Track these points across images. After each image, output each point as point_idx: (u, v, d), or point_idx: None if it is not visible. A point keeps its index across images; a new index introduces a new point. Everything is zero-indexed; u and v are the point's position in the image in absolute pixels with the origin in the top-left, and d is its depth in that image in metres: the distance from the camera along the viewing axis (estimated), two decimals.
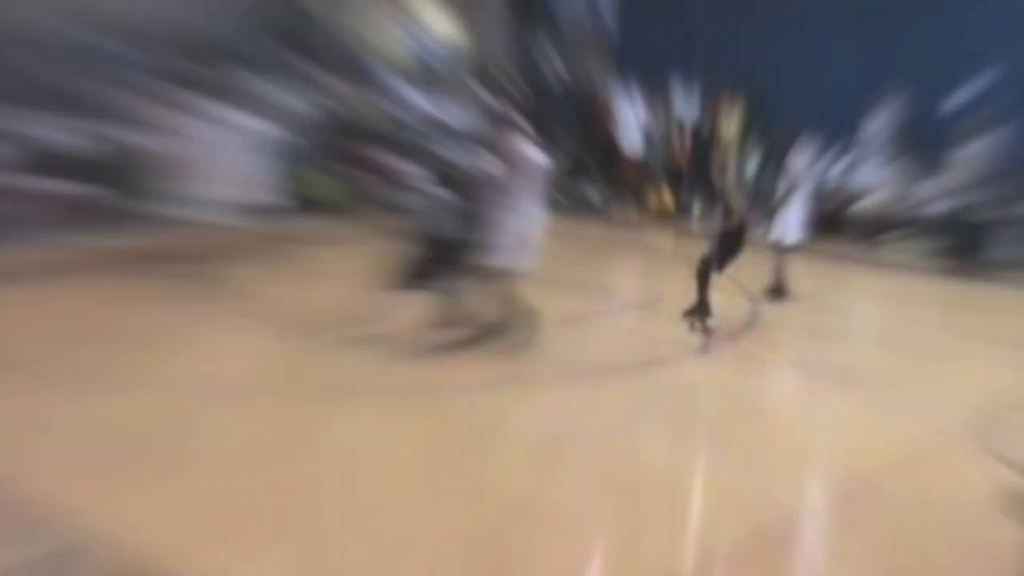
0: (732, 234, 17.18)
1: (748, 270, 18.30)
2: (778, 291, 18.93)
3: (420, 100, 27.60)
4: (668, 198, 27.39)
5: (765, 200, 22.97)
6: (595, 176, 28.27)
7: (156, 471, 10.85)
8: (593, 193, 28.03)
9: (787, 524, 10.47)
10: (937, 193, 24.68)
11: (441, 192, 15.19)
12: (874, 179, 25.76)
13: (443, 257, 15.02)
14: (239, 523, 9.79)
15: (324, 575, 9.01)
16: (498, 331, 15.36)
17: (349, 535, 9.68)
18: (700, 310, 17.06)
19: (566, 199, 27.30)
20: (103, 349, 15.06)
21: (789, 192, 18.81)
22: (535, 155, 15.12)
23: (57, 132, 22.25)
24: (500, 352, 15.17)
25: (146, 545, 9.08)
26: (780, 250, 18.94)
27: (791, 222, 18.91)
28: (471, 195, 15.23)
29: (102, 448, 11.39)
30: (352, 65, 28.18)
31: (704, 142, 27.55)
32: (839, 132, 25.57)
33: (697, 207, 27.40)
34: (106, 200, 22.42)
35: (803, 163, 19.05)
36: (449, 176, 15.66)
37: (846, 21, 27.05)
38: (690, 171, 27.74)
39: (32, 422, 12.00)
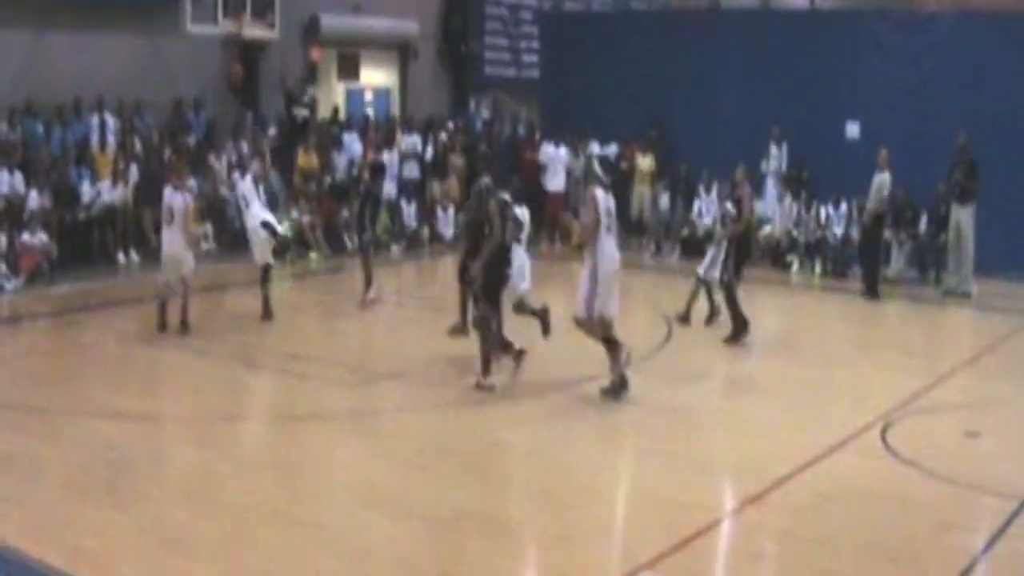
0: (741, 238, 17.75)
1: (660, 292, 18.17)
2: (686, 318, 18.73)
3: (359, 149, 27.37)
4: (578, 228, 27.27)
5: (677, 230, 22.94)
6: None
7: (125, 501, 10.60)
8: None
9: (706, 528, 10.29)
10: (834, 218, 24.70)
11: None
12: (774, 208, 25.75)
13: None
14: (198, 547, 9.57)
15: None
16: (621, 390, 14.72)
17: (303, 553, 9.52)
18: (739, 328, 17.55)
19: None
20: (74, 386, 14.82)
21: (723, 235, 18.46)
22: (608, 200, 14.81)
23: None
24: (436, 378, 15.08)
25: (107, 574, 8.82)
26: (704, 283, 18.66)
27: (717, 260, 18.62)
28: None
29: (73, 480, 11.16)
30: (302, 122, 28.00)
31: (622, 177, 27.45)
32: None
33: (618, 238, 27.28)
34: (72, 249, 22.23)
35: (731, 209, 18.77)
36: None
37: (742, 74, 27.18)
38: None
39: (5, 458, 11.74)
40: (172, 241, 17.56)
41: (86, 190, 23.28)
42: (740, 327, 17.52)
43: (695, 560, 9.75)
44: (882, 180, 21.98)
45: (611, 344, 14.43)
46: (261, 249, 18.64)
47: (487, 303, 14.68)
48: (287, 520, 10.27)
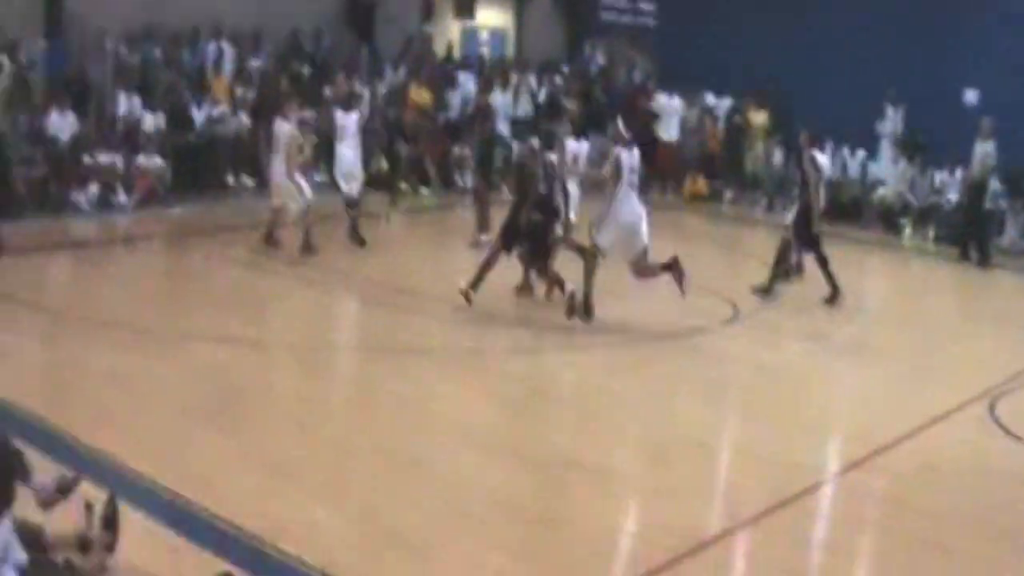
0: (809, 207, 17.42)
1: (772, 249, 18.03)
2: (796, 268, 18.60)
3: (473, 88, 27.34)
4: (702, 183, 27.14)
5: (790, 188, 22.74)
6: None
7: (233, 426, 10.73)
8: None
9: (809, 490, 10.25)
10: (949, 184, 24.36)
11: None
12: (887, 170, 25.43)
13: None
14: (303, 476, 9.66)
15: (381, 523, 8.93)
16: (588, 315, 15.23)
17: (406, 487, 9.56)
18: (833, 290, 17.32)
19: None
20: (186, 310, 15.01)
21: (803, 184, 18.38)
22: (632, 157, 15.32)
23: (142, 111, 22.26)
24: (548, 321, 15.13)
25: (215, 497, 8.91)
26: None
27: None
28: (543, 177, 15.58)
29: (183, 402, 11.31)
30: (416, 58, 28.01)
31: (736, 131, 27.28)
32: (854, 129, 25.28)
33: (729, 192, 27.16)
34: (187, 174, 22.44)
35: (823, 159, 18.63)
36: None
37: (861, 33, 26.75)
38: (722, 157, 27.50)
39: (119, 376, 11.91)
40: (277, 170, 18.01)
41: (201, 115, 23.47)
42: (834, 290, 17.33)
43: (796, 520, 9.70)
44: (984, 150, 21.66)
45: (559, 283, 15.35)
46: (358, 183, 19.34)
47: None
48: (390, 453, 10.36)
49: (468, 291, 15.17)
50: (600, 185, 15.62)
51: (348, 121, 19.17)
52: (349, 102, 20.04)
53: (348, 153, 19.14)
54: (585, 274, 15.18)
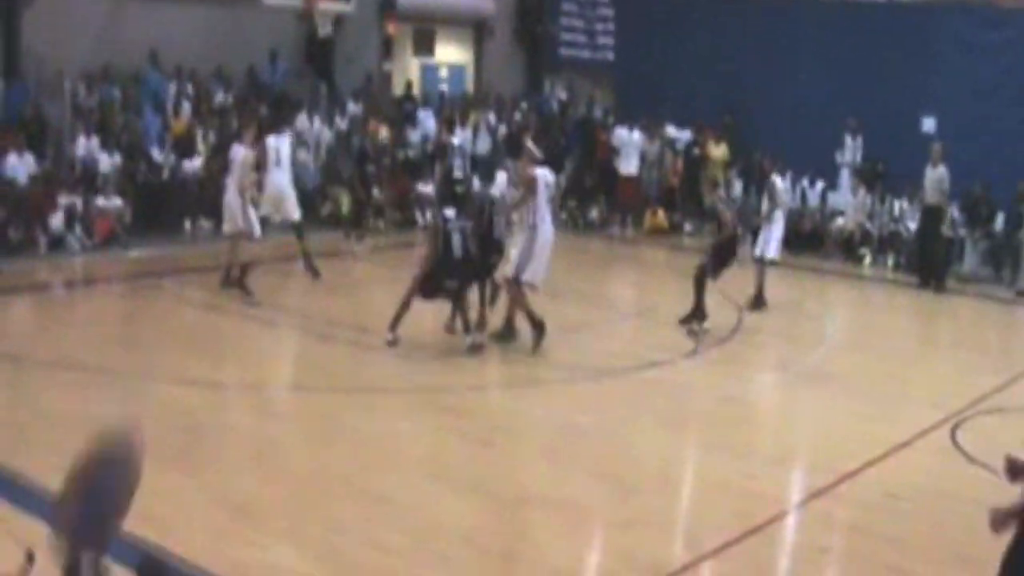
0: (724, 245, 17.11)
1: (733, 282, 18.12)
2: (759, 301, 18.74)
3: (433, 125, 27.43)
4: (662, 216, 27.23)
5: (749, 218, 22.86)
6: (595, 196, 28.09)
7: (195, 467, 10.69)
8: (593, 211, 27.85)
9: (773, 519, 10.28)
10: (907, 212, 24.50)
11: (451, 211, 15.17)
12: (847, 200, 25.57)
13: (457, 270, 14.93)
14: (265, 516, 9.64)
15: (344, 561, 8.95)
16: (507, 337, 15.32)
17: (369, 525, 9.57)
18: (696, 314, 16.84)
19: (568, 217, 27.16)
20: (147, 351, 14.97)
21: (772, 211, 18.67)
22: (546, 176, 15.53)
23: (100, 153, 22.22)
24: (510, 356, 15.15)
25: (177, 539, 8.89)
26: (763, 264, 18.78)
27: (773, 239, 18.76)
28: (482, 213, 15.35)
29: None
30: (375, 95, 28.08)
31: (694, 163, 27.39)
32: (814, 159, 25.42)
33: (688, 224, 27.25)
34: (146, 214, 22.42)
35: (783, 185, 18.85)
36: (459, 195, 15.68)
37: (819, 64, 26.93)
38: (682, 190, 27.60)
39: (77, 418, 11.84)
40: (229, 193, 18.17)
41: (160, 156, 23.46)
42: (699, 314, 17.09)
43: (761, 550, 9.72)
44: (937, 175, 21.85)
45: (531, 318, 15.28)
46: (293, 204, 19.31)
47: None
48: (354, 491, 10.35)
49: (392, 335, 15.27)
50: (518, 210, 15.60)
51: (281, 144, 19.06)
52: (280, 126, 19.96)
53: (281, 178, 19.03)
54: (511, 303, 15.53)
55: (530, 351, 15.19)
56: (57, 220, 20.66)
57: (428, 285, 15.19)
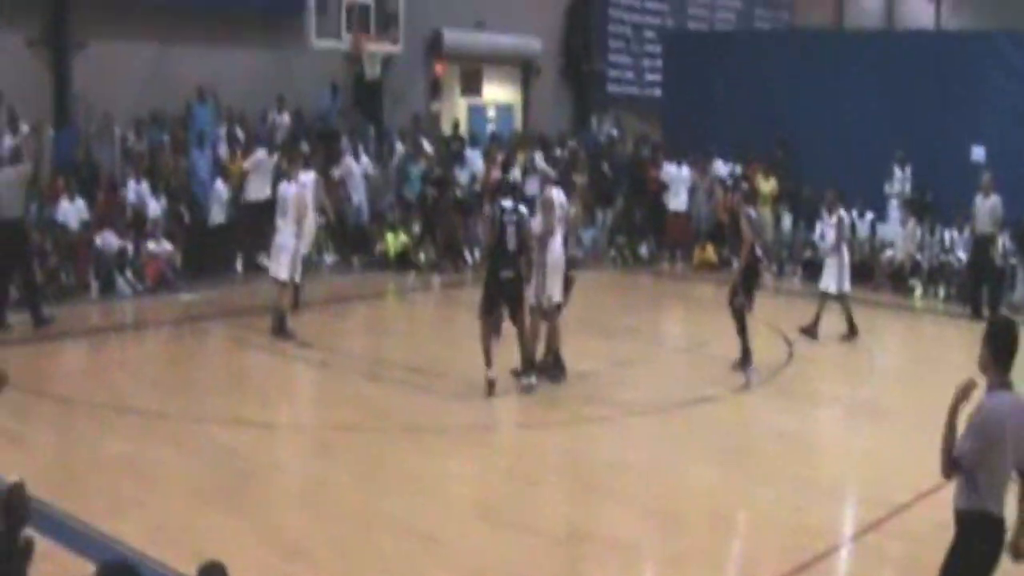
0: (751, 266, 17.13)
1: (783, 314, 18.06)
2: (812, 331, 18.70)
3: (481, 165, 27.53)
4: (711, 251, 27.18)
5: (799, 251, 22.77)
6: (645, 232, 28.12)
7: (245, 507, 10.72)
8: (643, 247, 27.87)
9: (825, 554, 10.21)
10: (958, 242, 24.34)
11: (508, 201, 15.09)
12: (896, 231, 25.43)
13: (511, 263, 14.99)
14: (316, 555, 9.66)
15: None
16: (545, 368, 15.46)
17: (418, 564, 9.60)
18: (746, 358, 16.76)
19: (618, 254, 27.20)
20: (197, 393, 15.06)
21: (839, 244, 18.65)
22: (560, 197, 15.70)
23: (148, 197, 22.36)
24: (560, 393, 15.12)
25: None
26: (827, 297, 18.74)
27: (844, 272, 18.77)
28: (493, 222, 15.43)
29: (195, 486, 11.33)
30: (426, 135, 28.20)
31: (744, 199, 27.30)
32: (863, 191, 25.30)
33: (736, 260, 27.15)
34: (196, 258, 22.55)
35: (846, 218, 18.90)
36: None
37: (866, 95, 26.81)
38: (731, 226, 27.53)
39: (131, 461, 11.93)
40: (284, 237, 17.86)
41: (210, 196, 23.64)
42: (747, 358, 16.81)
43: None
44: (988, 204, 21.74)
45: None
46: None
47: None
48: (404, 531, 10.35)
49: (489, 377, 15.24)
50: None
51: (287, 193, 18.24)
52: (290, 172, 19.05)
53: (284, 235, 18.02)
54: (549, 333, 15.40)
55: (580, 394, 15.16)
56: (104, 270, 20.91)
57: (485, 293, 15.16)
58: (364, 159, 26.27)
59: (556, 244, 15.32)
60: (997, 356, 7.43)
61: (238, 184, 23.60)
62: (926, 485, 11.89)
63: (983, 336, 7.41)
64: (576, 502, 11.61)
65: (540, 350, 15.50)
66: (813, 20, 42.12)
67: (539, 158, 16.00)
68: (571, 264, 15.96)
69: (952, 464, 7.41)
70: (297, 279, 18.12)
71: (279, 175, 20.47)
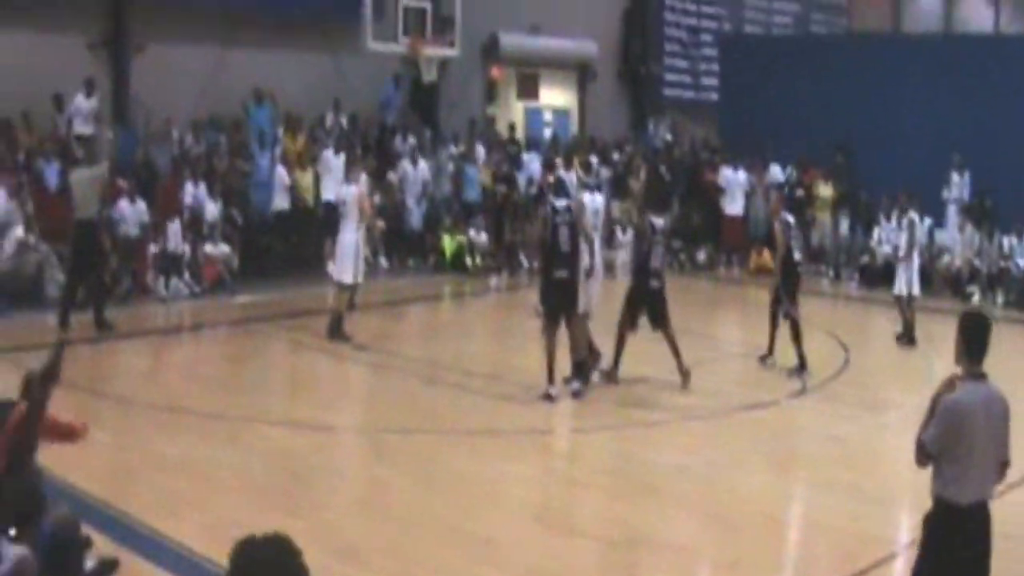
0: (790, 271, 17.21)
1: (838, 319, 17.94)
2: (908, 338, 18.65)
3: (538, 168, 27.57)
4: (767, 256, 27.08)
5: (857, 257, 22.66)
6: (702, 237, 28.06)
7: (301, 509, 10.74)
8: (700, 253, 27.82)
9: (880, 561, 10.14)
10: (1017, 248, 24.17)
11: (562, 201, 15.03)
12: (954, 237, 25.25)
13: (566, 263, 14.97)
14: (371, 558, 9.67)
15: None
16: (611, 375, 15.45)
17: (474, 567, 9.64)
18: (803, 364, 16.74)
19: (675, 259, 27.18)
20: (253, 394, 15.11)
21: (911, 248, 18.58)
22: (593, 201, 15.88)
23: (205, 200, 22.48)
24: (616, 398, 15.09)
25: None
26: (908, 301, 18.68)
27: (915, 275, 18.70)
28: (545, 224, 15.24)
29: (250, 486, 11.37)
30: (483, 140, 28.25)
31: (799, 204, 27.23)
32: (921, 196, 25.15)
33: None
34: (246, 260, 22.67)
35: (918, 221, 18.84)
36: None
37: (924, 100, 26.67)
38: None
39: (186, 462, 11.99)
40: (346, 238, 17.70)
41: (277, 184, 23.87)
42: (803, 363, 16.80)
43: None
44: None
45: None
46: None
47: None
48: (459, 534, 10.35)
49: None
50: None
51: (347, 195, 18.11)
52: (350, 173, 18.72)
53: (347, 236, 17.90)
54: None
55: (635, 398, 15.15)
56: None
57: (543, 281, 15.17)
58: (421, 163, 26.33)
59: (588, 254, 15.26)
60: (968, 348, 7.64)
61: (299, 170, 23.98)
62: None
63: (957, 328, 7.41)
64: (631, 506, 11.55)
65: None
66: (870, 24, 41.88)
67: (595, 162, 15.99)
68: (654, 275, 15.91)
69: (918, 448, 7.72)
70: (360, 279, 18.07)
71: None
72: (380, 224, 22.55)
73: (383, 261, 24.60)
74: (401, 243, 25.46)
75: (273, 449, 12.66)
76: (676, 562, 10.10)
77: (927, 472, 12.90)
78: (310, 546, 9.74)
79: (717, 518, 11.17)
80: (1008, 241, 24.53)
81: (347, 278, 17.78)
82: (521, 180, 27.54)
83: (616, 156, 29.88)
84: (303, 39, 26.13)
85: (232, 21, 24.55)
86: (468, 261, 24.82)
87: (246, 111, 24.36)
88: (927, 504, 11.67)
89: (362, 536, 10.22)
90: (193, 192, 22.61)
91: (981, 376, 7.48)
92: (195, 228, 22.06)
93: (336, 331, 17.72)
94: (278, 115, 24.70)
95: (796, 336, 16.67)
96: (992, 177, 25.21)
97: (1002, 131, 25.44)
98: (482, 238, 25.69)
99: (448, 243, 25.01)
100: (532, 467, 12.61)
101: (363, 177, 19.49)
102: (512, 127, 30.28)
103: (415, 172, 25.98)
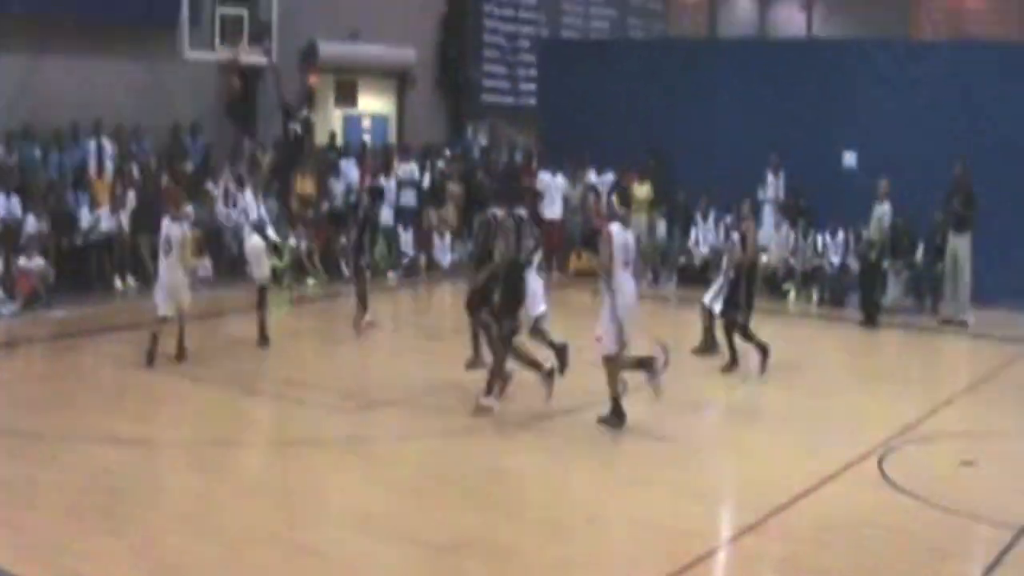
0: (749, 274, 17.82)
1: (656, 320, 18.16)
2: (707, 349, 18.84)
3: (356, 175, 27.57)
4: (586, 259, 27.33)
5: (674, 259, 22.93)
6: None
7: (122, 527, 10.60)
8: None
9: (704, 557, 10.31)
10: (831, 246, 24.74)
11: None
12: (770, 236, 25.71)
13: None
14: (195, 574, 9.58)
15: None
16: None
17: None
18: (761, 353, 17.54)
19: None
20: (70, 411, 14.83)
21: (729, 266, 18.69)
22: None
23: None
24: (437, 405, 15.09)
25: None
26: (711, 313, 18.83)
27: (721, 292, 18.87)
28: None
29: (70, 506, 11.17)
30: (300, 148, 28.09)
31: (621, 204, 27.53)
32: (736, 197, 25.49)
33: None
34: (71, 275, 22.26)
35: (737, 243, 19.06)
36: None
37: (739, 103, 27.18)
38: None
39: (2, 483, 11.75)
40: (171, 272, 17.13)
41: (83, 215, 23.32)
42: (764, 353, 17.64)
43: None
44: (882, 211, 22.18)
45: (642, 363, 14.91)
46: (260, 266, 18.63)
47: (505, 319, 14.80)
48: (284, 546, 10.28)
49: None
50: None
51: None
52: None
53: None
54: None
55: (458, 404, 15.16)
56: None
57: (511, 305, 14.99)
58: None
59: (628, 283, 14.71)
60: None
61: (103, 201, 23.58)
62: (803, 486, 12.13)
63: None
64: (458, 511, 11.56)
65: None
66: (686, 29, 42.62)
67: (613, 197, 16.12)
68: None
69: None
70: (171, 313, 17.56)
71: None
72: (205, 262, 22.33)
73: (201, 273, 24.21)
74: (220, 254, 25.16)
75: (93, 466, 12.42)
76: (502, 566, 10.13)
77: (748, 465, 13.23)
78: (133, 564, 9.68)
79: (542, 520, 11.25)
80: (822, 239, 25.11)
81: (165, 311, 17.21)
82: (339, 188, 27.45)
83: (440, 163, 29.90)
84: (120, 46, 25.61)
85: (45, 29, 24.02)
86: (284, 277, 24.43)
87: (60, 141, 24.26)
88: (749, 499, 11.95)
89: (186, 552, 10.08)
90: (5, 204, 22.13)
91: None
92: (7, 242, 21.57)
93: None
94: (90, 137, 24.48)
95: (744, 335, 17.52)
96: (806, 177, 25.77)
97: (816, 133, 26.01)
98: (302, 248, 25.48)
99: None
100: (356, 475, 12.56)
101: (188, 210, 19.23)
102: (332, 135, 30.17)
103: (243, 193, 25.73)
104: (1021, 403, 16.75)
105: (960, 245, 22.43)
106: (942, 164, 22.82)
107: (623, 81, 29.07)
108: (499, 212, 15.53)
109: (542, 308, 15.74)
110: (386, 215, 26.83)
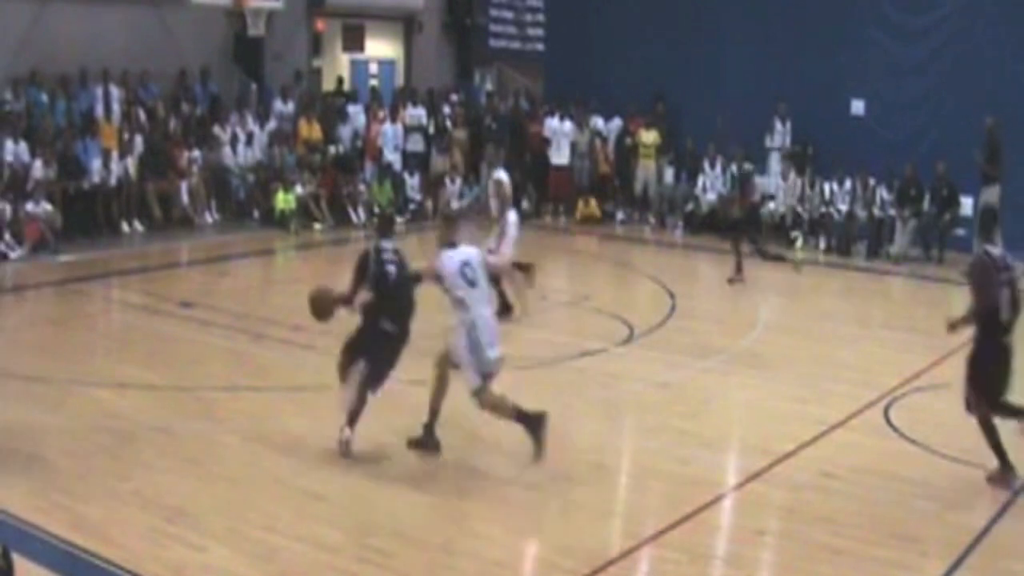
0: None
1: (665, 267, 18.13)
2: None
3: (363, 120, 27.49)
4: (594, 205, 27.26)
5: (681, 206, 22.83)
6: (527, 186, 28.07)
7: (128, 471, 10.66)
8: (526, 202, 27.83)
9: (710, 504, 10.32)
10: (838, 195, 24.64)
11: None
12: (777, 184, 25.60)
13: None
14: (200, 517, 9.60)
15: (280, 561, 8.99)
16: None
17: (305, 523, 9.66)
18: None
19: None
20: (77, 356, 14.84)
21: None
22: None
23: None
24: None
25: (112, 544, 8.87)
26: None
27: None
28: None
29: (76, 450, 11.18)
30: (306, 93, 27.99)
31: (626, 152, 27.45)
32: (743, 144, 25.34)
33: (620, 213, 27.33)
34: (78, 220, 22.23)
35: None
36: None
37: (747, 50, 26.99)
38: (614, 179, 27.71)
39: (9, 428, 11.75)
40: None
41: (94, 168, 23.24)
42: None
43: (698, 535, 9.76)
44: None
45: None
46: None
47: None
48: (290, 491, 10.31)
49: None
50: None
51: None
52: None
53: None
54: None
55: None
56: None
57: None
58: (250, 121, 26.06)
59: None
60: None
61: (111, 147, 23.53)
62: (808, 433, 12.12)
63: None
64: (464, 456, 11.57)
65: None
66: None
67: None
68: None
69: None
70: None
71: None
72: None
73: (208, 218, 24.23)
74: (228, 200, 25.14)
75: (99, 411, 12.45)
76: (508, 512, 10.17)
77: (753, 413, 13.22)
78: (139, 507, 9.69)
79: (547, 467, 11.21)
80: (829, 187, 24.99)
81: None
82: (346, 133, 27.37)
83: (447, 108, 29.77)
84: None
85: None
86: (291, 222, 24.42)
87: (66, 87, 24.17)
88: (755, 447, 11.93)
89: (192, 496, 10.11)
90: (13, 150, 22.07)
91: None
92: (15, 187, 21.53)
93: None
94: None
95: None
96: (814, 125, 25.65)
97: (823, 80, 25.84)
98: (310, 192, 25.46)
99: (282, 199, 24.64)
100: (363, 421, 12.52)
101: None
102: (340, 80, 30.08)
103: (244, 128, 25.75)
104: None
105: (989, 197, 22.23)
106: (950, 113, 22.70)
107: (631, 27, 28.87)
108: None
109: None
110: (393, 159, 26.81)
